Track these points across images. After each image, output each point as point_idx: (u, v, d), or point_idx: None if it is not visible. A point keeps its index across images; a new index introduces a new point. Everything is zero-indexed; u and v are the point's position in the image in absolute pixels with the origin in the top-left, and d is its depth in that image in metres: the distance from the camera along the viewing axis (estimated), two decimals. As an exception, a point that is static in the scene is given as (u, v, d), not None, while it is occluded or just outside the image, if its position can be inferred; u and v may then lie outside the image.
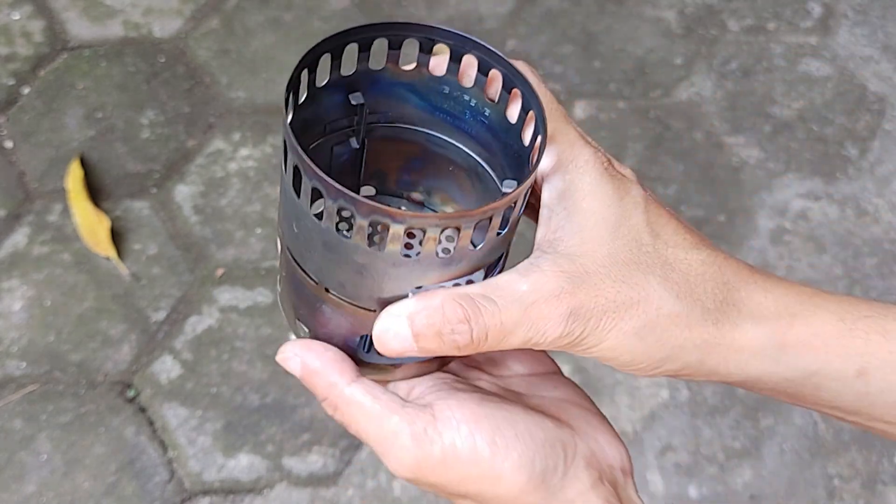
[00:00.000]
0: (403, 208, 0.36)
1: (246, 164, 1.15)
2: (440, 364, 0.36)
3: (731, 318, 0.33)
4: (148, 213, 1.09)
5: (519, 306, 0.31)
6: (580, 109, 1.21)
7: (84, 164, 1.13)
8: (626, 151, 1.17)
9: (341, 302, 0.32)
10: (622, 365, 0.33)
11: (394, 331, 0.31)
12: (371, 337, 0.32)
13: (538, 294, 0.31)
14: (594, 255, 0.32)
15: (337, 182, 0.28)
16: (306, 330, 0.35)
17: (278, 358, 0.35)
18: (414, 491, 0.89)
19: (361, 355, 0.35)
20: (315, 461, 0.91)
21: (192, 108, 1.20)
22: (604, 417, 0.37)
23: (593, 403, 0.37)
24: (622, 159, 1.16)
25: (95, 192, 1.11)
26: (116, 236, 1.07)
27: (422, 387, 0.35)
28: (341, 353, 0.34)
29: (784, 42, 1.30)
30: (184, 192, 1.12)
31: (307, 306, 0.34)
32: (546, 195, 0.34)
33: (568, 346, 0.33)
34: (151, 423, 0.93)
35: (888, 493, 0.90)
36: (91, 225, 1.06)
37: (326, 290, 0.32)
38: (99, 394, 0.95)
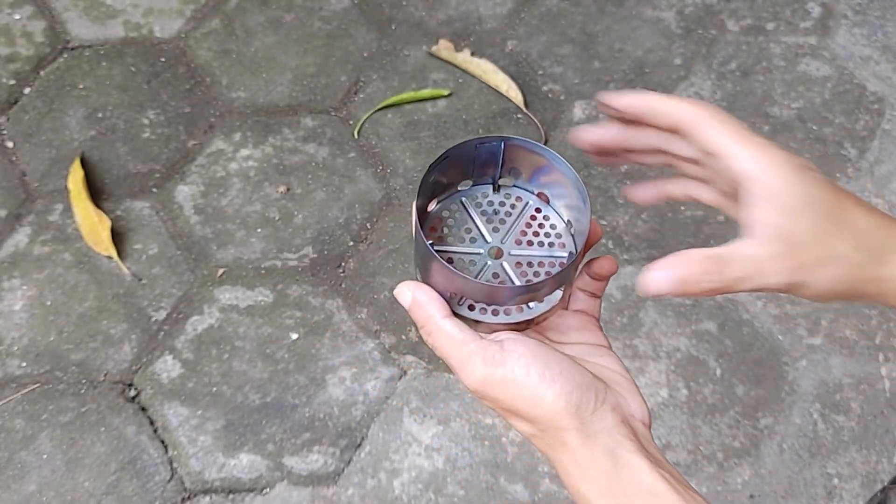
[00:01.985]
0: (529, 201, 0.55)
1: (246, 164, 1.15)
2: (510, 328, 0.50)
3: (893, 260, 0.46)
4: (149, 212, 1.10)
5: (754, 263, 0.44)
6: (579, 109, 1.21)
7: (85, 164, 1.14)
8: (626, 151, 1.17)
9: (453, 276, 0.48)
10: (819, 298, 0.46)
11: (660, 277, 0.44)
12: (463, 295, 0.50)
13: (768, 255, 0.44)
14: (801, 227, 0.45)
15: (480, 171, 0.53)
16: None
17: (396, 291, 0.49)
18: (414, 490, 0.89)
19: (454, 307, 0.50)
20: (315, 460, 0.91)
21: (192, 108, 1.21)
22: (635, 385, 0.49)
23: (630, 374, 0.50)
24: (622, 159, 1.16)
25: (96, 192, 1.11)
26: (117, 236, 1.07)
27: (501, 333, 0.48)
28: (441, 297, 0.49)
29: (783, 42, 1.30)
30: (184, 192, 1.12)
31: (425, 271, 0.50)
32: (749, 187, 0.46)
33: (786, 290, 0.45)
34: (152, 423, 0.93)
35: (888, 493, 0.90)
36: (92, 225, 1.07)
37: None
38: (100, 393, 0.95)
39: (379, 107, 1.21)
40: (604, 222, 1.10)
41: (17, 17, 1.30)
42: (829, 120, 1.21)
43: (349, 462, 0.91)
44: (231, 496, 0.89)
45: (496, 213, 0.55)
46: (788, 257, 0.44)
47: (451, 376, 0.96)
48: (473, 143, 0.52)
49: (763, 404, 0.96)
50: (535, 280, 0.51)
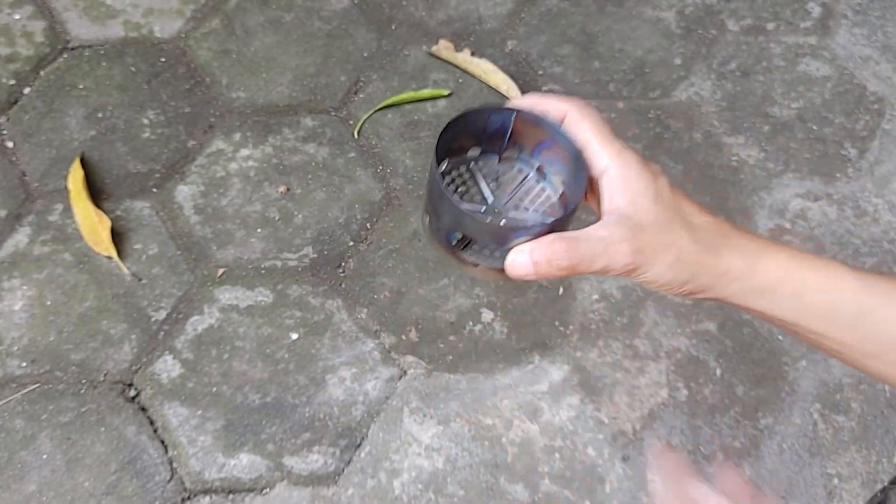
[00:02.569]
0: (527, 171, 0.60)
1: (246, 164, 1.15)
2: (498, 271, 0.55)
3: (725, 254, 0.53)
4: (149, 212, 1.10)
5: (601, 243, 0.51)
6: (580, 109, 1.21)
7: (85, 164, 1.14)
8: (626, 151, 1.17)
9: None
10: (661, 286, 0.53)
11: (520, 261, 0.51)
12: (466, 238, 0.55)
13: (613, 237, 0.51)
14: (644, 216, 0.53)
15: (489, 139, 0.58)
16: (427, 221, 0.56)
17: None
18: (414, 490, 0.89)
19: (456, 251, 0.56)
20: (315, 460, 0.91)
21: (192, 108, 1.21)
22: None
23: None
24: (622, 159, 1.16)
25: (96, 192, 1.11)
26: (117, 236, 1.07)
27: None
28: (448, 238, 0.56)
29: (783, 42, 1.30)
30: (184, 192, 1.12)
31: (434, 213, 0.56)
32: (605, 181, 0.54)
33: (629, 273, 0.52)
34: (152, 423, 0.93)
35: (888, 493, 0.90)
36: (92, 225, 1.07)
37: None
38: (100, 393, 0.95)
39: (379, 107, 1.21)
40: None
41: (17, 17, 1.30)
42: (829, 120, 1.21)
43: (349, 462, 0.91)
44: (231, 496, 0.89)
45: (497, 180, 0.60)
46: (632, 240, 0.52)
47: (452, 376, 0.96)
48: (487, 112, 0.57)
49: (763, 404, 0.96)
50: (530, 224, 0.55)
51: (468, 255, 0.57)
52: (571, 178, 0.57)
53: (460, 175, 0.60)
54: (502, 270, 0.56)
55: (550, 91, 1.23)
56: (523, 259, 0.51)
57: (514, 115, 0.57)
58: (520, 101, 0.57)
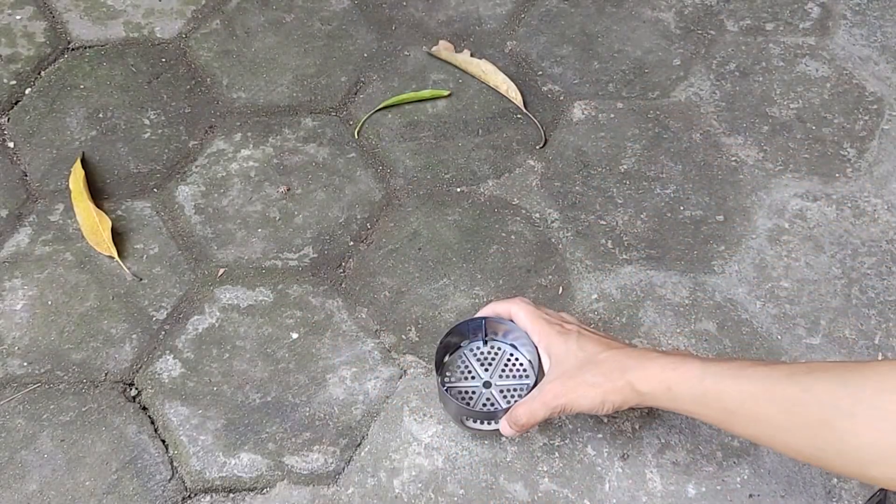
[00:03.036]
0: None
1: (247, 165, 1.15)
2: (495, 431, 0.89)
3: (625, 378, 0.76)
4: (149, 212, 1.10)
5: (542, 403, 0.80)
6: (579, 110, 1.22)
7: (86, 164, 1.14)
8: (625, 152, 1.17)
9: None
10: (586, 411, 0.78)
11: (507, 430, 0.84)
12: (469, 418, 0.89)
13: (547, 388, 0.81)
14: (561, 372, 0.81)
15: (473, 334, 0.93)
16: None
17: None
18: (413, 489, 0.89)
19: (462, 422, 0.89)
20: (316, 459, 0.91)
21: (193, 108, 1.21)
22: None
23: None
24: (621, 159, 1.16)
25: (97, 192, 1.11)
26: (118, 236, 1.07)
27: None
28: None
29: (782, 43, 1.30)
30: (185, 192, 1.12)
31: (444, 404, 0.92)
32: (541, 352, 0.85)
33: (562, 412, 0.79)
34: (153, 422, 0.94)
35: (887, 493, 0.91)
36: (93, 225, 1.07)
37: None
38: (100, 393, 0.95)
39: (379, 107, 1.21)
40: (603, 222, 1.10)
41: (18, 17, 1.30)
42: (828, 120, 1.21)
43: (349, 461, 0.91)
44: (232, 495, 0.89)
45: (485, 358, 0.92)
46: (560, 387, 0.79)
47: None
48: (466, 322, 0.90)
49: (762, 404, 0.96)
50: (512, 402, 0.85)
51: (474, 425, 0.89)
52: (532, 349, 0.87)
53: (460, 358, 0.92)
54: (496, 430, 0.88)
55: (550, 91, 1.23)
56: (507, 430, 0.84)
57: (485, 320, 0.90)
58: (482, 310, 0.91)
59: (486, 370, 0.90)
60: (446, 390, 0.87)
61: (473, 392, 0.89)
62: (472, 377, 0.90)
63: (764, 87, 1.25)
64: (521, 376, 0.89)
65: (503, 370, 0.90)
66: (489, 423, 0.87)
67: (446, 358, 0.91)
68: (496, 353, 0.91)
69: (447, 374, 0.90)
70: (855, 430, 0.60)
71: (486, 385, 0.89)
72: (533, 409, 0.79)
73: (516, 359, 0.91)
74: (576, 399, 0.77)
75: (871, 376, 0.61)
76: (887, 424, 0.59)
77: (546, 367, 0.82)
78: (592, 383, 0.76)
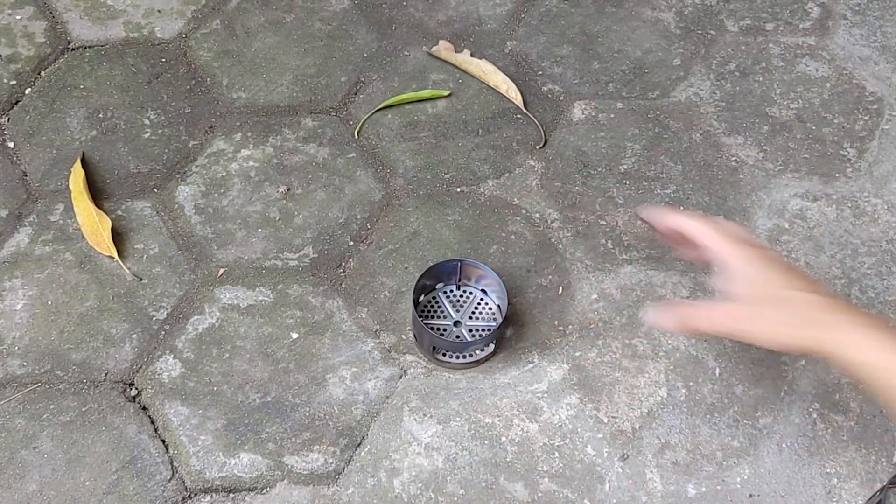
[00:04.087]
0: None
1: (247, 165, 1.15)
2: (466, 366, 0.98)
3: (821, 334, 0.71)
4: (149, 212, 1.10)
5: (726, 319, 0.75)
6: (579, 110, 1.22)
7: (86, 164, 1.14)
8: (625, 152, 1.17)
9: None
10: (758, 345, 0.75)
11: (668, 320, 0.78)
12: (440, 350, 0.97)
13: (735, 315, 0.75)
14: (749, 295, 0.74)
15: (447, 277, 1.01)
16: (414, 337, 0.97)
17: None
18: (413, 489, 0.89)
19: (435, 356, 0.96)
20: (316, 459, 0.91)
21: (193, 108, 1.21)
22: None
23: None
24: (621, 160, 1.16)
25: (97, 192, 1.11)
26: (118, 236, 1.07)
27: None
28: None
29: (782, 43, 1.30)
30: (185, 192, 1.12)
31: (418, 336, 0.98)
32: (724, 265, 0.77)
33: (736, 337, 0.76)
34: (153, 422, 0.94)
35: (887, 493, 0.91)
36: (93, 225, 1.07)
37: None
38: (100, 393, 0.95)
39: (379, 107, 1.21)
40: (603, 222, 1.10)
41: (18, 17, 1.30)
42: (828, 120, 1.21)
43: (349, 461, 0.91)
44: (232, 495, 0.89)
45: (457, 300, 1.00)
46: (747, 313, 0.74)
47: (451, 375, 0.97)
48: (442, 263, 0.98)
49: (762, 404, 0.96)
50: (479, 337, 0.94)
51: (444, 358, 0.96)
52: (502, 295, 0.96)
53: (434, 300, 1.00)
54: (466, 365, 0.96)
55: (550, 91, 1.23)
56: (668, 320, 0.78)
57: (460, 262, 0.98)
58: (658, 217, 0.86)
59: (458, 311, 0.99)
60: (423, 325, 0.95)
61: (444, 329, 0.98)
62: (444, 316, 0.99)
63: (764, 87, 1.25)
64: (489, 319, 0.99)
65: (473, 312, 0.99)
66: (458, 357, 0.96)
67: (421, 298, 0.99)
68: (468, 297, 1.00)
69: (421, 312, 0.99)
70: None
71: (457, 324, 0.98)
72: (714, 319, 0.75)
73: (486, 303, 1.00)
74: (757, 332, 0.73)
75: None
76: None
77: (733, 280, 0.76)
78: (782, 322, 0.72)
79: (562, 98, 1.23)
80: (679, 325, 0.76)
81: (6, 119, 1.19)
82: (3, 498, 0.88)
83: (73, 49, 1.27)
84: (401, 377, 0.97)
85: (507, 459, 0.91)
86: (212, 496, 0.89)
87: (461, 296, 1.01)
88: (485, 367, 0.98)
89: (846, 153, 1.18)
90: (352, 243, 1.08)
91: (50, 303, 1.02)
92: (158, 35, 1.29)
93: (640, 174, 1.15)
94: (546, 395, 0.96)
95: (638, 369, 0.98)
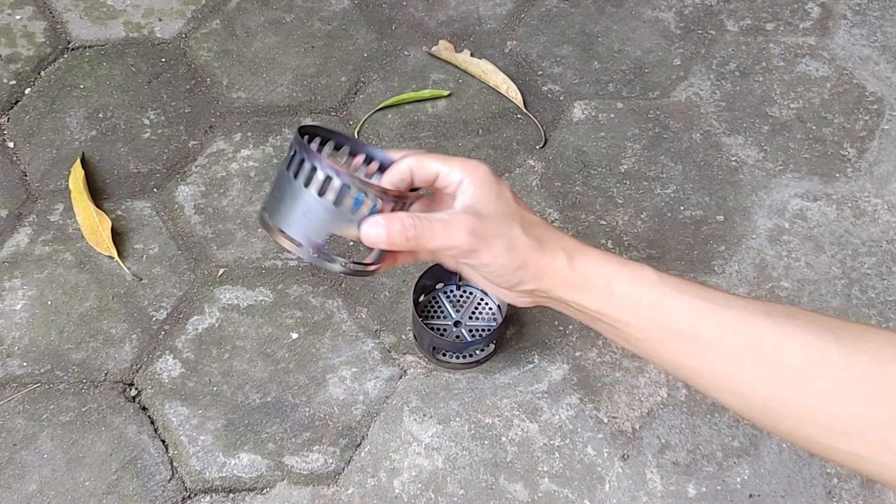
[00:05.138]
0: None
1: (247, 165, 1.15)
2: (465, 366, 0.96)
3: (549, 248, 0.61)
4: (149, 212, 1.10)
5: (442, 223, 0.60)
6: (579, 110, 1.22)
7: (85, 164, 1.14)
8: (625, 151, 1.17)
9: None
10: (494, 269, 0.61)
11: (374, 231, 0.60)
12: (440, 350, 0.93)
13: (454, 219, 0.60)
14: (485, 208, 0.61)
15: (448, 277, 1.00)
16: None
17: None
18: (413, 489, 0.89)
19: (435, 356, 0.96)
20: (316, 459, 0.91)
21: (193, 108, 1.21)
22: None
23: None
24: (621, 159, 1.16)
25: (97, 192, 1.11)
26: (118, 236, 1.07)
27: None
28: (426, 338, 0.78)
29: (782, 42, 1.30)
30: (185, 192, 1.12)
31: (418, 336, 0.98)
32: (460, 189, 0.63)
33: (465, 255, 0.60)
34: (153, 422, 0.94)
35: (886, 492, 0.91)
36: (92, 225, 1.07)
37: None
38: (100, 393, 0.95)
39: (379, 107, 1.21)
40: (603, 222, 1.10)
41: (18, 17, 1.30)
42: (828, 120, 1.21)
43: (349, 461, 0.91)
44: (231, 495, 0.89)
45: (458, 300, 0.99)
46: (471, 224, 0.60)
47: (451, 375, 0.97)
48: (442, 267, 0.91)
49: (762, 404, 0.96)
50: (479, 338, 0.93)
51: (444, 358, 0.96)
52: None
53: (433, 302, 0.99)
54: (466, 364, 0.96)
55: (550, 91, 1.23)
56: (377, 230, 0.60)
57: None
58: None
59: (458, 311, 0.99)
60: (423, 325, 0.95)
61: (444, 329, 0.97)
62: (444, 316, 0.99)
63: (764, 87, 1.25)
64: (489, 319, 0.98)
65: (473, 312, 0.99)
66: (458, 357, 0.96)
67: (421, 298, 1.00)
68: (468, 297, 1.00)
69: (421, 312, 0.99)
70: (838, 396, 0.54)
71: (457, 324, 0.98)
72: (426, 227, 0.60)
73: (486, 303, 1.00)
74: (488, 251, 0.60)
75: (867, 345, 0.55)
76: (880, 398, 0.52)
77: (457, 204, 0.63)
78: (516, 238, 0.60)
79: (562, 98, 1.23)
80: (404, 238, 0.60)
81: (6, 119, 1.19)
82: (3, 498, 0.88)
83: (72, 49, 1.27)
84: (401, 377, 0.97)
85: (507, 459, 0.91)
86: (212, 496, 0.89)
87: (461, 296, 1.00)
88: (485, 367, 0.98)
89: (846, 153, 1.18)
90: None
91: (50, 303, 1.02)
92: (158, 35, 1.29)
93: (640, 174, 1.15)
94: (546, 395, 0.96)
95: (638, 369, 0.98)
